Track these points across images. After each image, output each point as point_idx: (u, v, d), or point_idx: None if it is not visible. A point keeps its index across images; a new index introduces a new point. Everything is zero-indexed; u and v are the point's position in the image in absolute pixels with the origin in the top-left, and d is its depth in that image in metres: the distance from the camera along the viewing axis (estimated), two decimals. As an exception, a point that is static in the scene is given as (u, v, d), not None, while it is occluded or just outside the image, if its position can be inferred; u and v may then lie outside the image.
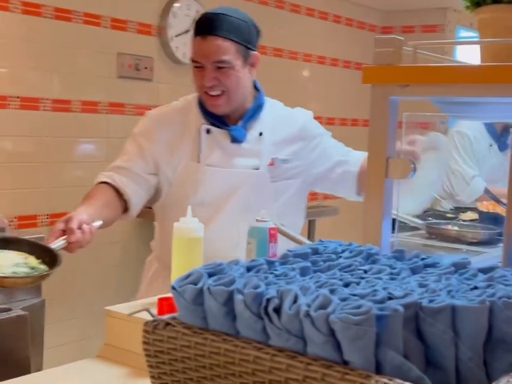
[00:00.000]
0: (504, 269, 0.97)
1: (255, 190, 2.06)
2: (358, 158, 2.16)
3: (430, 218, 2.79)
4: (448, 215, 2.91)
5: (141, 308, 1.27)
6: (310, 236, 4.29)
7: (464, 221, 2.73)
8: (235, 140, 2.04)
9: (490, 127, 3.72)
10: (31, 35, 3.23)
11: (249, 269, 0.92)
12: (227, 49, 1.96)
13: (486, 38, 1.43)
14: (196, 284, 0.83)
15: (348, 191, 2.21)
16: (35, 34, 3.24)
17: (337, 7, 5.16)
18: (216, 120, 2.05)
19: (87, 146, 3.53)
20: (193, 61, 1.98)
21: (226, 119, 2.06)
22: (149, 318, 0.88)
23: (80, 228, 1.77)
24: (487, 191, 2.65)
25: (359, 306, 0.74)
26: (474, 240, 2.28)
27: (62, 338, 3.42)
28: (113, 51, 3.58)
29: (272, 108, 2.15)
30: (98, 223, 1.85)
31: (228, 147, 2.04)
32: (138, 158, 2.05)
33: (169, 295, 1.73)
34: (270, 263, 0.97)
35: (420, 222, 2.45)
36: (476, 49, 1.52)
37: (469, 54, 4.73)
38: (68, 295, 3.46)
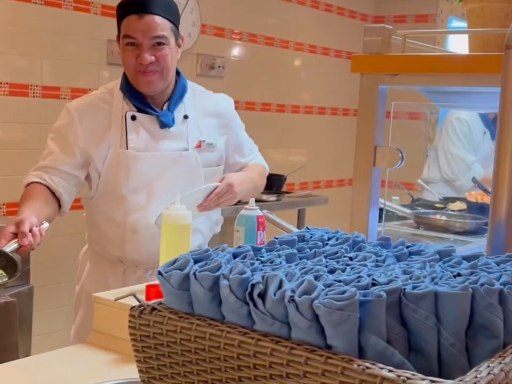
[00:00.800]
0: (488, 257, 0.98)
1: (186, 172, 2.08)
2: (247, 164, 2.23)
3: (418, 208, 2.81)
4: (437, 205, 2.93)
5: (125, 294, 1.28)
6: (300, 225, 4.29)
7: (452, 210, 2.75)
8: (164, 124, 2.05)
9: (483, 115, 3.74)
10: (21, 21, 3.21)
11: (235, 256, 0.93)
12: (164, 26, 1.99)
13: (474, 27, 1.44)
14: (182, 270, 0.84)
15: None
16: (24, 20, 3.22)
17: (329, -4, 5.16)
18: (143, 105, 2.05)
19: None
20: (127, 37, 1.96)
21: (152, 104, 2.06)
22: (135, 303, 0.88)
23: (30, 230, 1.77)
24: (475, 180, 2.67)
25: (343, 292, 0.74)
26: (461, 230, 2.30)
27: (50, 325, 3.43)
28: (103, 38, 3.56)
29: (194, 91, 2.16)
30: (46, 225, 1.86)
31: (155, 132, 2.06)
32: (65, 155, 2.03)
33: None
34: (256, 250, 0.97)
35: (408, 211, 2.47)
36: (466, 39, 1.52)
37: (460, 44, 4.74)
38: (56, 283, 3.46)
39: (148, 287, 1.60)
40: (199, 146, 2.11)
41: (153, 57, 1.97)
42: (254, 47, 4.61)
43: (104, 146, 2.03)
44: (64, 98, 3.41)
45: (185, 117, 2.10)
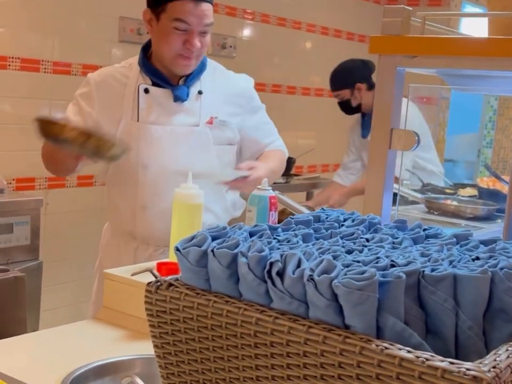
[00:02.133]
0: (506, 242, 0.97)
1: (197, 148, 2.07)
2: (267, 149, 2.22)
3: (428, 193, 2.80)
4: (447, 190, 2.92)
5: (142, 269, 1.29)
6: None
7: (463, 196, 2.74)
8: (177, 98, 2.06)
9: None
10: (33, -4, 3.19)
11: (252, 234, 0.93)
12: (212, 13, 2.01)
13: (495, 11, 1.42)
14: (200, 246, 0.84)
15: None
16: (37, -6, 3.21)
17: (343, -23, 5.11)
18: (158, 78, 2.06)
19: (88, 110, 3.51)
20: (179, 21, 1.94)
21: (169, 78, 2.07)
22: (148, 281, 0.88)
23: None
24: (488, 167, 2.66)
25: (362, 272, 0.74)
26: (472, 215, 2.29)
27: (59, 301, 3.45)
28: (115, 15, 3.55)
29: (214, 69, 2.17)
30: None
31: (168, 105, 2.06)
32: (78, 119, 2.05)
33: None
34: (273, 229, 0.97)
35: (420, 196, 2.46)
36: (482, 23, 1.50)
37: (474, 28, 4.69)
38: (65, 258, 3.48)
39: (159, 264, 1.61)
40: (210, 122, 2.10)
41: (199, 44, 1.99)
42: (266, 28, 4.58)
43: (116, 118, 2.05)
44: (75, 74, 3.40)
45: (200, 92, 2.10)
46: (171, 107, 2.07)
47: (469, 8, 5.71)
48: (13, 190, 3.19)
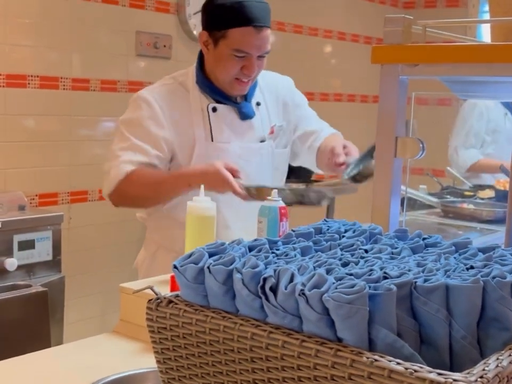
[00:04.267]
0: (505, 249, 0.97)
1: (264, 162, 2.09)
2: (325, 134, 2.19)
3: (447, 196, 2.79)
4: (466, 193, 2.91)
5: (148, 285, 1.30)
6: (329, 213, 4.29)
7: (482, 199, 2.73)
8: (246, 116, 2.04)
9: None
10: (50, 14, 3.25)
11: (251, 249, 0.94)
12: (270, 39, 1.98)
13: (496, 16, 1.42)
14: (196, 263, 0.86)
15: (309, 164, 2.26)
16: (53, 13, 3.26)
17: (358, -18, 5.12)
18: (222, 97, 2.02)
19: (107, 124, 3.56)
20: (239, 51, 1.91)
21: (229, 95, 2.04)
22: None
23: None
24: (503, 168, 2.64)
25: (352, 286, 0.76)
26: (488, 218, 2.28)
27: (82, 313, 3.49)
28: (131, 29, 3.59)
29: (261, 76, 2.12)
30: None
31: (236, 123, 2.04)
32: (154, 149, 1.96)
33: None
34: (273, 243, 0.99)
35: (435, 200, 2.46)
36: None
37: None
38: (87, 272, 3.52)
39: (173, 277, 1.63)
40: (272, 132, 2.11)
41: (257, 68, 1.96)
42: (282, 36, 4.59)
43: (187, 140, 1.99)
44: (94, 90, 3.46)
45: (258, 103, 2.09)
46: (239, 124, 2.04)
47: (488, 7, 5.67)
48: (36, 205, 3.25)
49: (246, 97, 2.06)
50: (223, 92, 2.02)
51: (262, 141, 2.09)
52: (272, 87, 2.17)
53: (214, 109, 2.01)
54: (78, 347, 1.67)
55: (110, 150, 2.03)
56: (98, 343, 1.69)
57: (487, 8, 5.62)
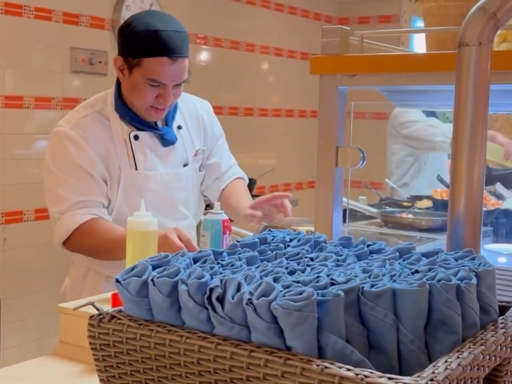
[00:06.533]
0: (447, 253, 0.98)
1: (189, 185, 2.10)
2: (232, 176, 2.24)
3: (386, 207, 2.83)
4: (404, 203, 2.96)
5: (84, 303, 1.26)
6: (271, 227, 4.30)
7: (420, 208, 2.78)
8: (169, 142, 2.02)
9: None
10: (-19, 30, 3.17)
11: (196, 260, 0.92)
12: (187, 66, 1.93)
13: (431, 26, 1.45)
14: (140, 276, 0.83)
15: (210, 195, 2.27)
16: (-15, 29, 3.18)
17: (293, -2, 5.19)
18: (143, 125, 2.00)
19: (42, 143, 3.48)
20: (153, 80, 1.87)
21: (148, 121, 2.01)
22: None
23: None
24: (440, 178, 2.70)
25: (300, 293, 0.74)
26: (427, 227, 2.32)
27: (20, 338, 3.38)
28: (66, 46, 3.54)
29: (179, 98, 2.08)
30: None
31: (159, 149, 2.02)
32: (93, 184, 1.94)
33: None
34: (218, 254, 0.97)
35: (374, 210, 2.48)
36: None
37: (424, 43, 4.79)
38: (24, 295, 3.42)
39: (114, 295, 1.59)
40: (195, 155, 2.11)
41: (173, 97, 1.92)
42: (219, 51, 4.61)
43: (114, 170, 1.97)
44: (27, 107, 3.38)
45: (179, 127, 2.08)
46: (162, 150, 2.02)
47: (419, 23, 5.83)
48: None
49: (167, 122, 2.04)
50: (142, 118, 1.99)
51: (185, 165, 2.08)
52: (193, 110, 2.15)
53: (136, 137, 1.99)
54: (15, 371, 1.60)
55: (50, 193, 1.97)
56: (37, 366, 1.63)
57: (418, 24, 5.79)
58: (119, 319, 0.84)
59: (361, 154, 1.41)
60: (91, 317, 0.85)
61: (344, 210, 1.55)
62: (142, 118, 1.99)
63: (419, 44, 5.20)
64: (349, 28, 1.41)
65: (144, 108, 1.95)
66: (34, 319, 3.46)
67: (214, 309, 0.78)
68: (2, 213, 3.30)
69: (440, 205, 2.58)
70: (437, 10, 1.44)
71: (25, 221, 3.39)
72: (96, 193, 1.96)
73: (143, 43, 1.85)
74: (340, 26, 1.40)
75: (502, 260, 1.44)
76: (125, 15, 3.76)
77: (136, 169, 1.98)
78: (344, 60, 1.37)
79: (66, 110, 3.55)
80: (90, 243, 1.94)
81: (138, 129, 1.99)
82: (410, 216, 2.47)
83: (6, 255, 3.26)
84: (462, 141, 1.07)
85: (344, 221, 1.57)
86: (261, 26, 4.93)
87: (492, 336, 0.82)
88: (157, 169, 2.01)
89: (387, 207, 2.86)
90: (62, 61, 3.53)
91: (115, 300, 1.53)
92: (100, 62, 3.68)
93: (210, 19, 4.48)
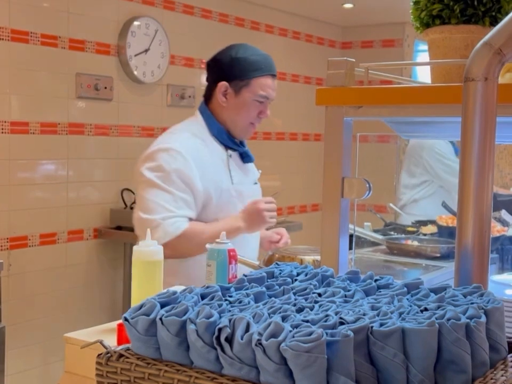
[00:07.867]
0: (455, 289, 0.98)
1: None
2: None
3: (391, 233, 2.83)
4: (409, 228, 2.95)
5: (95, 338, 1.26)
6: (275, 251, 4.29)
7: (424, 234, 2.77)
8: (249, 159, 2.30)
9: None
10: (-13, 57, 3.19)
11: (203, 296, 0.92)
12: None
13: (436, 58, 1.46)
14: (148, 315, 0.83)
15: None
16: (-9, 56, 3.21)
17: (296, 23, 5.21)
18: (234, 143, 2.24)
19: (48, 167, 3.49)
20: (262, 97, 2.18)
21: (235, 141, 2.27)
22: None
23: None
24: (445, 205, 2.69)
25: (310, 333, 0.74)
26: (433, 255, 2.31)
27: (24, 364, 3.37)
28: (71, 71, 3.56)
29: None
30: None
31: (243, 166, 2.30)
32: (195, 200, 2.12)
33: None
34: (225, 289, 0.97)
35: (380, 237, 2.48)
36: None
37: (427, 71, 4.81)
38: (29, 320, 3.41)
39: (120, 326, 1.58)
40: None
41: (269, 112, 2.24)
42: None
43: (218, 184, 2.16)
44: (33, 133, 3.39)
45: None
46: (245, 167, 2.30)
47: (422, 47, 5.86)
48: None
49: (241, 142, 2.29)
50: (234, 138, 2.25)
51: (255, 183, 2.36)
52: None
53: (230, 155, 2.24)
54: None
55: (147, 201, 2.11)
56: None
57: (420, 47, 5.82)
58: (127, 357, 0.83)
59: (367, 185, 1.41)
60: (99, 355, 0.85)
61: (350, 236, 1.55)
62: (234, 138, 2.24)
63: (422, 71, 5.23)
64: (354, 60, 1.41)
65: (247, 125, 2.22)
66: (39, 345, 3.45)
67: (222, 349, 0.78)
68: (7, 238, 3.30)
69: (445, 232, 2.57)
70: (442, 42, 1.45)
71: (29, 246, 3.39)
72: (191, 207, 2.12)
73: (251, 66, 2.19)
74: (345, 58, 1.41)
75: (509, 292, 1.43)
76: (130, 41, 3.79)
77: (232, 184, 2.21)
78: (349, 92, 1.38)
79: (72, 135, 3.58)
80: (188, 249, 2.12)
81: (231, 149, 2.24)
82: (415, 243, 2.47)
83: (10, 281, 3.25)
84: (469, 175, 1.07)
85: (350, 248, 1.56)
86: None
87: (502, 375, 0.81)
88: (244, 184, 2.26)
89: (392, 232, 2.85)
90: (68, 87, 3.55)
91: (120, 332, 1.52)
92: (105, 88, 3.70)
93: (214, 44, 4.50)
